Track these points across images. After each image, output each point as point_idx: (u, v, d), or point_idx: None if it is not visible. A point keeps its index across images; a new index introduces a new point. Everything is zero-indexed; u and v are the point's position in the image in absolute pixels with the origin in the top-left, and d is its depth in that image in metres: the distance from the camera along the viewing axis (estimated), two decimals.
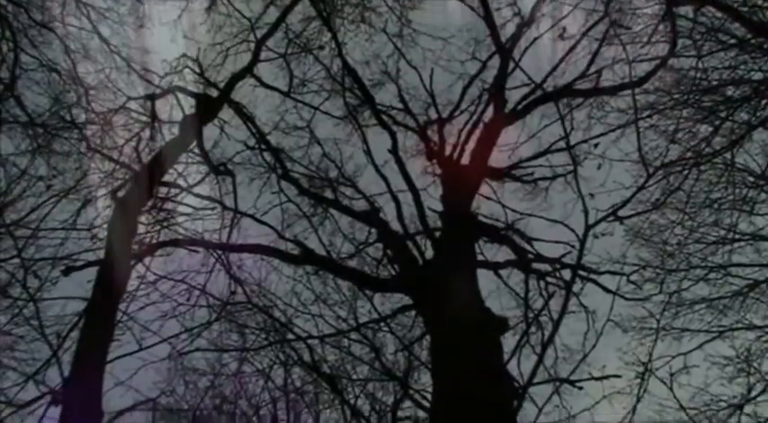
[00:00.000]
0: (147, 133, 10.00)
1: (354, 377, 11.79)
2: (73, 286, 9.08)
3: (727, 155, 9.38)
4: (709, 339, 10.57)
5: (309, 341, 11.10)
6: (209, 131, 10.31)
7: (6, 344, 9.60)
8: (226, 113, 10.47)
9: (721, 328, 10.62)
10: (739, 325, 10.57)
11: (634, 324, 10.67)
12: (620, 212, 7.79)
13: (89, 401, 7.06)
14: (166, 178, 9.79)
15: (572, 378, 9.30)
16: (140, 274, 10.01)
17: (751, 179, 9.74)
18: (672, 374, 8.67)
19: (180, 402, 12.17)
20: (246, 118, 10.35)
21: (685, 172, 9.23)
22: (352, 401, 11.65)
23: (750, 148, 9.62)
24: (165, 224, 10.30)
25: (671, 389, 8.06)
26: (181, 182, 10.40)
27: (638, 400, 7.84)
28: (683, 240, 10.37)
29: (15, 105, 8.95)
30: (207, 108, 9.79)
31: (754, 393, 10.35)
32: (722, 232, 10.21)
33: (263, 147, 10.67)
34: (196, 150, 10.06)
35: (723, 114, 9.21)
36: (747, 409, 10.48)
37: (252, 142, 10.66)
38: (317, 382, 11.82)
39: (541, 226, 10.70)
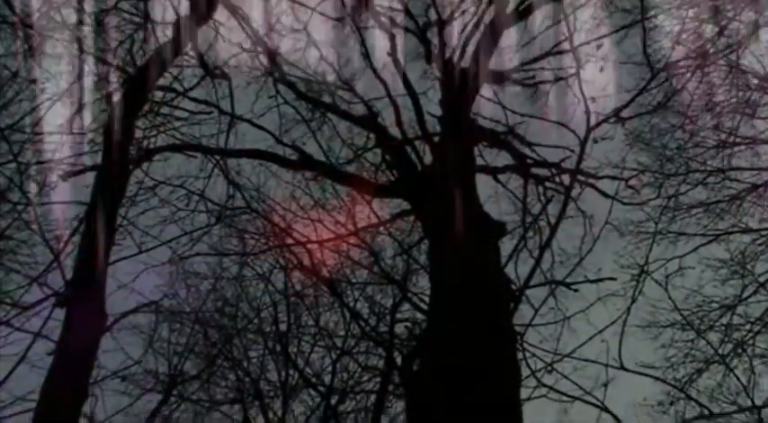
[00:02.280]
0: (140, 35, 9.76)
1: (353, 281, 11.95)
2: (72, 191, 9.11)
3: (732, 56, 9.24)
4: (704, 243, 10.70)
5: (309, 246, 11.21)
6: (204, 34, 10.07)
7: (8, 248, 9.69)
8: (221, 15, 10.20)
9: (717, 232, 10.73)
10: (735, 228, 10.67)
11: (631, 228, 10.77)
12: (622, 114, 7.72)
13: (93, 303, 7.17)
14: (161, 82, 9.64)
15: (568, 281, 9.46)
16: (139, 180, 10.03)
17: (755, 81, 9.62)
18: (667, 276, 8.84)
19: (182, 305, 12.40)
20: (242, 19, 10.09)
21: (688, 74, 9.11)
22: (351, 304, 11.85)
23: (755, 50, 9.47)
24: (161, 129, 10.21)
25: (666, 290, 8.22)
26: (176, 86, 10.24)
27: (633, 302, 7.99)
28: (683, 144, 10.34)
29: (3, 5, 8.70)
30: (201, 9, 9.52)
31: (746, 294, 10.58)
32: (723, 136, 10.18)
33: (259, 50, 10.46)
34: (191, 53, 9.86)
35: (730, 14, 9.01)
36: (739, 309, 10.75)
37: (248, 45, 10.45)
38: (316, 286, 11.99)
39: (541, 131, 10.63)
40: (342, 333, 12.16)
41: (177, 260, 11.12)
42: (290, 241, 11.33)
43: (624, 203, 10.38)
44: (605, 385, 9.29)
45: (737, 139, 10.11)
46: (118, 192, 8.23)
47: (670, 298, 9.18)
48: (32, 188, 9.09)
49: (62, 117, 9.42)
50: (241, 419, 12.37)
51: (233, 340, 12.33)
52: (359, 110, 10.48)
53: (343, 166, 10.72)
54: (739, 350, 10.51)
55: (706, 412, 9.24)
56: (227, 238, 11.65)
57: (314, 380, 12.29)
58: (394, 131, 9.80)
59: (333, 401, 12.00)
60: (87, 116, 9.63)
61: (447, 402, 6.04)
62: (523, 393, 7.64)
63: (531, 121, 10.67)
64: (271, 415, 12.25)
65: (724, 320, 10.76)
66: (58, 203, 9.29)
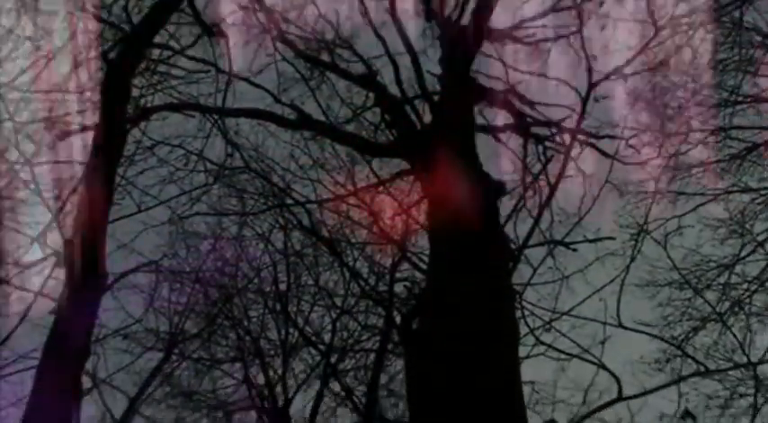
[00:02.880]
0: None
1: (353, 241, 11.97)
2: (69, 150, 9.06)
3: (735, 13, 9.12)
4: (704, 202, 10.69)
5: (308, 206, 11.22)
6: None
7: (8, 207, 9.68)
8: None
9: (717, 191, 10.72)
10: (735, 188, 10.66)
11: (631, 188, 10.76)
12: (624, 72, 7.65)
13: (92, 261, 7.18)
14: (157, 40, 9.52)
15: (567, 240, 9.50)
16: (137, 139, 9.99)
17: (758, 38, 9.51)
18: (666, 236, 8.86)
19: (182, 265, 12.44)
20: None
21: (691, 32, 9.00)
22: (350, 264, 11.89)
23: (760, 6, 9.33)
24: (158, 88, 10.12)
25: (665, 249, 8.23)
26: (173, 44, 10.12)
27: (632, 261, 8.02)
28: (685, 103, 10.27)
29: None
30: None
31: (744, 253, 10.62)
32: (724, 94, 10.10)
33: (256, 7, 10.31)
34: (187, 10, 9.72)
35: None
36: (737, 268, 10.80)
37: (246, 2, 10.30)
38: (316, 246, 12.02)
39: (542, 90, 10.55)
40: (341, 292, 12.23)
41: (176, 220, 11.15)
42: (289, 201, 11.34)
43: (624, 163, 10.36)
44: (603, 343, 9.40)
45: (739, 98, 10.04)
46: (115, 151, 8.19)
47: (669, 257, 9.22)
48: (29, 147, 9.06)
49: (58, 75, 9.32)
50: (242, 377, 12.50)
51: (233, 299, 12.40)
52: (358, 68, 10.39)
53: (343, 126, 10.65)
54: (736, 308, 10.59)
55: (702, 369, 9.35)
56: (225, 197, 11.64)
57: (314, 338, 12.39)
58: (393, 90, 9.73)
59: (332, 360, 12.11)
60: (83, 74, 9.53)
61: (446, 361, 6.08)
62: (522, 351, 7.72)
63: (532, 79, 10.58)
64: (271, 373, 12.38)
65: (722, 279, 10.83)
66: (56, 163, 9.26)
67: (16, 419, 7.65)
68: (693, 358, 9.78)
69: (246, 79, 10.02)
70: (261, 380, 12.38)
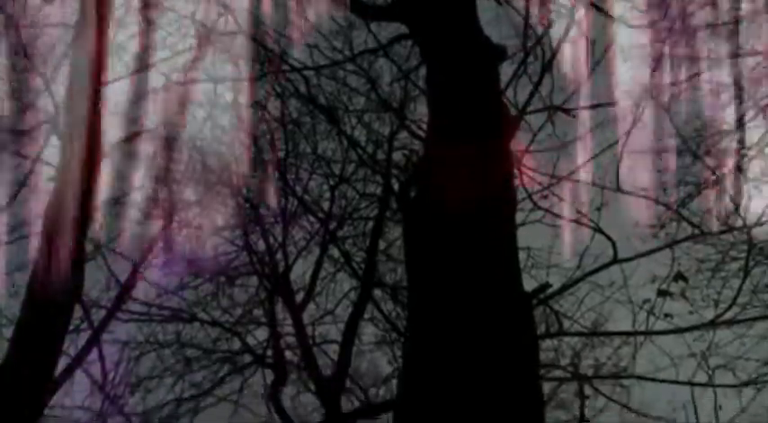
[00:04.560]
0: None
1: (351, 108, 11.85)
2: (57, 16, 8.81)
3: None
4: (709, 66, 10.46)
5: (305, 72, 11.03)
6: None
7: None
8: None
9: (722, 55, 10.46)
10: (741, 51, 10.40)
11: (635, 52, 10.51)
12: None
13: (88, 131, 7.13)
14: None
15: (567, 106, 9.43)
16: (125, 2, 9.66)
17: None
18: (668, 101, 8.75)
19: (178, 132, 12.31)
20: None
21: None
22: (348, 132, 11.83)
23: None
24: None
25: (668, 114, 8.18)
26: None
27: (634, 125, 7.98)
28: None
29: None
30: None
31: (746, 119, 10.53)
32: None
33: None
34: None
35: None
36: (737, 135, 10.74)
37: None
38: (313, 114, 11.90)
39: None
40: (339, 161, 12.22)
41: (171, 86, 10.97)
42: (285, 67, 11.13)
43: (629, 26, 10.09)
44: (599, 209, 9.53)
45: None
46: (104, 15, 7.94)
47: (671, 122, 9.16)
48: (15, 9, 8.79)
49: None
50: (242, 244, 12.69)
51: (231, 168, 12.39)
52: None
53: None
54: (734, 174, 10.61)
55: (697, 232, 9.50)
56: (220, 64, 11.40)
57: (312, 206, 12.49)
58: None
59: (332, 227, 12.27)
60: None
61: (443, 226, 6.17)
62: (519, 217, 7.82)
63: None
64: (271, 240, 12.56)
65: (722, 146, 10.79)
66: (44, 27, 9.01)
67: (22, 284, 7.82)
68: (689, 221, 9.90)
69: None
70: (261, 247, 12.58)
